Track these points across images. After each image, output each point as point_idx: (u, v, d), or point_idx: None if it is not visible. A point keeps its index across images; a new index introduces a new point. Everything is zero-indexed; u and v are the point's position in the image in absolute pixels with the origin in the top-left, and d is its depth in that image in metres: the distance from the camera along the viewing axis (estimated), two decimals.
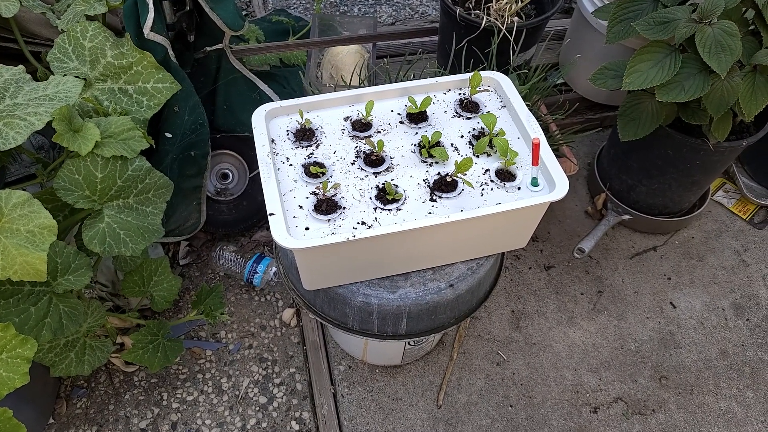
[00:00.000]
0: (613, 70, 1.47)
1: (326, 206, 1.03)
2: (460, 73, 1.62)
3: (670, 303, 1.69)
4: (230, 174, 1.71)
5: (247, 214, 1.73)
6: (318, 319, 1.23)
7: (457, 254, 1.15)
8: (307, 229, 1.00)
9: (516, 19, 1.66)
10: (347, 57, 1.88)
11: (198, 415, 1.44)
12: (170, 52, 1.36)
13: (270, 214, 0.99)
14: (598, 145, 2.03)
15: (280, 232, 0.96)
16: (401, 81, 1.61)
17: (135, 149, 1.20)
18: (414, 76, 1.60)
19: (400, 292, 1.12)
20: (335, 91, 1.59)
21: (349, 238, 0.97)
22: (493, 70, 1.60)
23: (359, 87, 1.60)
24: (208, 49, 1.51)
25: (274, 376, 1.51)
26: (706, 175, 1.65)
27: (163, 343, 1.37)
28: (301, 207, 1.03)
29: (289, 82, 1.91)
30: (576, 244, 1.70)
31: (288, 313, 1.60)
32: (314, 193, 1.04)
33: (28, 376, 0.98)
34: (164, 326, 1.38)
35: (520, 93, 1.49)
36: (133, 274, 1.38)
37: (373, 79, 1.69)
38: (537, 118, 1.60)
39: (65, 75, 1.26)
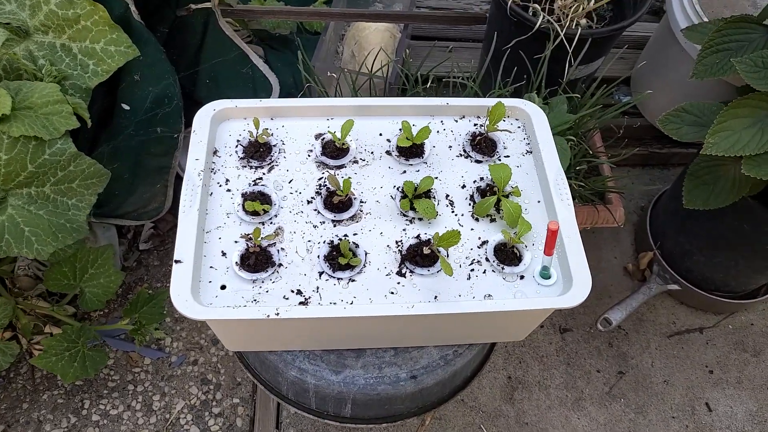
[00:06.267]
0: (693, 115, 1.12)
1: (256, 260, 0.76)
2: (495, 81, 1.31)
3: (706, 404, 1.37)
4: None
5: None
6: (249, 375, 0.99)
7: (428, 339, 0.88)
8: (222, 288, 0.75)
9: (584, 22, 1.31)
10: (373, 35, 1.58)
11: None
12: (132, 8, 1.10)
13: (175, 261, 0.74)
14: (658, 185, 1.68)
15: (180, 288, 0.71)
16: (426, 73, 1.31)
17: (58, 128, 0.96)
18: (434, 81, 1.29)
19: (346, 374, 0.86)
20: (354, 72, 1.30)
21: (269, 315, 0.71)
22: (540, 84, 1.28)
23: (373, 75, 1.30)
24: (193, 7, 1.24)
25: (214, 404, 1.30)
26: None
27: (83, 351, 1.17)
28: (224, 254, 0.77)
29: (307, 53, 1.62)
30: (603, 312, 1.39)
31: None
32: (247, 237, 0.77)
33: None
34: (86, 333, 1.17)
35: (567, 124, 1.17)
36: (63, 264, 1.17)
37: (389, 71, 1.38)
38: (588, 155, 1.29)
39: None
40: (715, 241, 1.33)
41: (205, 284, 0.75)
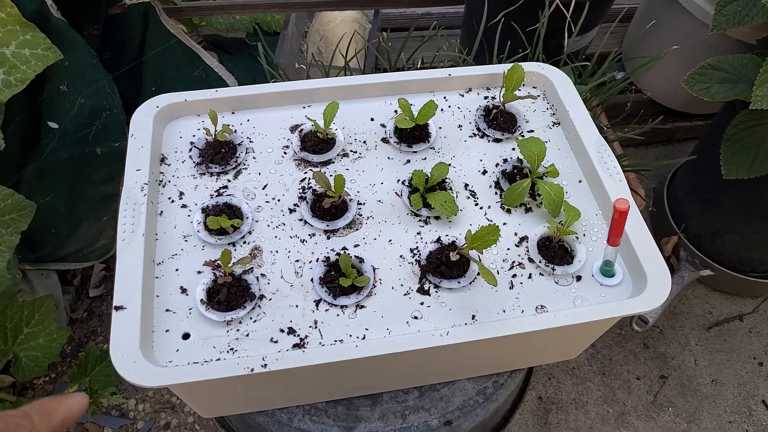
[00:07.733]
0: (723, 71, 0.97)
1: (228, 294, 0.57)
2: (489, 61, 1.15)
3: (762, 401, 1.21)
4: None
5: None
6: None
7: (460, 372, 0.69)
8: (185, 337, 0.55)
9: None
10: (340, 27, 1.41)
11: None
12: (49, 1, 0.90)
13: (116, 308, 0.54)
14: (665, 163, 1.53)
15: (124, 345, 0.51)
16: (404, 65, 1.14)
17: None
18: (422, 62, 1.12)
19: (360, 429, 0.67)
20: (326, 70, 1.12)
21: (253, 369, 0.51)
22: (538, 59, 1.12)
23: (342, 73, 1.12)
24: (128, 2, 1.04)
25: None
26: None
27: None
28: (184, 291, 0.57)
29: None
30: None
31: None
32: (214, 264, 0.57)
33: None
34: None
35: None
36: None
37: (365, 61, 1.21)
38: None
39: None
40: (750, 215, 1.18)
41: (160, 335, 0.55)
